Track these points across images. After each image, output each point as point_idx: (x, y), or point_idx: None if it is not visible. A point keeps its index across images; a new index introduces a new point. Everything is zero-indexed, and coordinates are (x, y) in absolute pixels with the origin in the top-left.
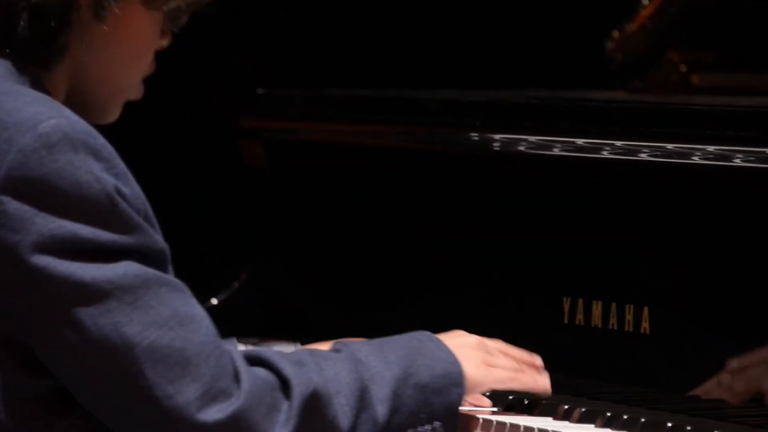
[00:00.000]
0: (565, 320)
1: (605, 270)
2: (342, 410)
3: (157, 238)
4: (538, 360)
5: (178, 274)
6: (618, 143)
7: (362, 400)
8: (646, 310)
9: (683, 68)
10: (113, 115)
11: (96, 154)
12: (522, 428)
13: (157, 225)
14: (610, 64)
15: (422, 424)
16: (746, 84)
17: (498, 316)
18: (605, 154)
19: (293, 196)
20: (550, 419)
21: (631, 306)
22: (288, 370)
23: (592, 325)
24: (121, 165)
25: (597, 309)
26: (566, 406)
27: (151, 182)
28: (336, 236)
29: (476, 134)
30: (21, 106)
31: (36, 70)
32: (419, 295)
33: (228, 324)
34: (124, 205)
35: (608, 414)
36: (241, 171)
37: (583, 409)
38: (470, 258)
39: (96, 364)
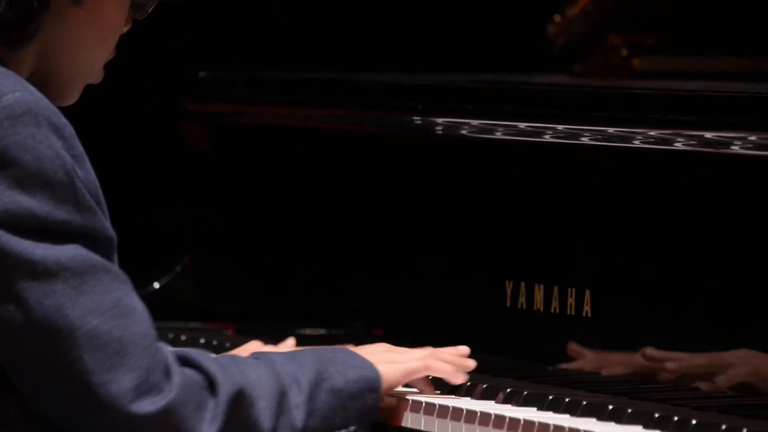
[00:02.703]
0: (508, 304)
1: (547, 253)
2: (264, 413)
3: (106, 224)
4: (463, 349)
5: (121, 258)
6: (559, 127)
7: (281, 404)
8: (587, 293)
9: (624, 52)
10: (74, 97)
11: (58, 131)
12: (465, 411)
13: (107, 213)
14: (552, 47)
15: (338, 429)
16: (687, 68)
17: (440, 299)
18: (547, 138)
19: (236, 180)
20: (492, 402)
21: (573, 289)
22: (214, 369)
23: (535, 308)
24: (79, 147)
25: (539, 292)
26: (509, 389)
27: (94, 166)
28: (278, 220)
29: (419, 117)
30: None
31: (3, 50)
32: (360, 278)
33: (170, 308)
34: (80, 184)
35: (551, 397)
36: (183, 154)
37: (526, 392)
38: (413, 242)
39: (35, 344)
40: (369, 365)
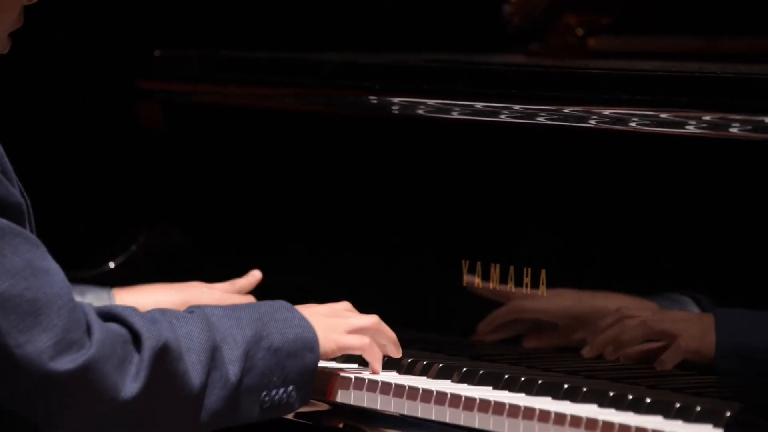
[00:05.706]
0: (464, 283)
1: (503, 233)
2: (193, 367)
3: (12, 191)
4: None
5: (76, 237)
6: (515, 107)
7: (214, 359)
8: (543, 272)
9: (580, 32)
10: None
11: None
12: (420, 390)
13: (15, 180)
14: (508, 27)
15: (276, 388)
16: (642, 47)
17: (396, 278)
18: (503, 118)
19: (190, 159)
20: (447, 381)
21: (529, 268)
22: (139, 324)
23: (490, 287)
24: None
25: (495, 271)
26: (465, 369)
27: (49, 145)
28: (233, 199)
29: (375, 97)
30: None
31: None
32: (317, 258)
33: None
34: None
35: (506, 376)
36: (137, 133)
37: (482, 372)
38: (369, 221)
39: None
40: (308, 326)
